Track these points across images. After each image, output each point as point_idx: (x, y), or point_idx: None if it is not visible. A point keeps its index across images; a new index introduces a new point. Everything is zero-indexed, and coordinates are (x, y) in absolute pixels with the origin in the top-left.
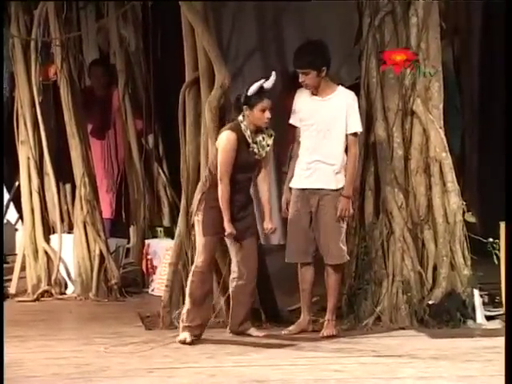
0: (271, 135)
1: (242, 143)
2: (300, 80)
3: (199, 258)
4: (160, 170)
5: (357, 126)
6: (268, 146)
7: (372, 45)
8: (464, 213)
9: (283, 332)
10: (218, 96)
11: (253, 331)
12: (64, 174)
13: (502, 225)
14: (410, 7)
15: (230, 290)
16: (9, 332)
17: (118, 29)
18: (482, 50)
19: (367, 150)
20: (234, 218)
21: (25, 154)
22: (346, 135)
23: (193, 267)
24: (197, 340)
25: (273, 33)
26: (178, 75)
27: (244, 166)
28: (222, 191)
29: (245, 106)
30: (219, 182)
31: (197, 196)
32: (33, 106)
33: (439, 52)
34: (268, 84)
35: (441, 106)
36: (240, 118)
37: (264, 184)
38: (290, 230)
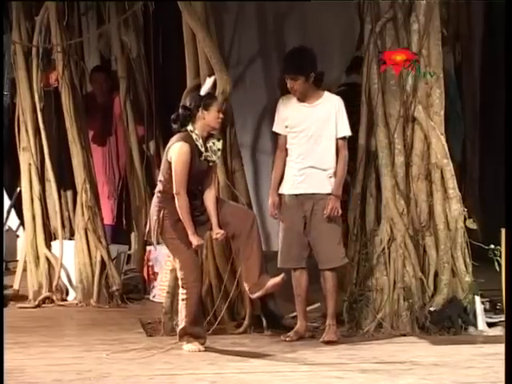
0: (219, 139)
1: (194, 153)
2: (288, 86)
3: (188, 276)
4: None
5: (346, 131)
6: (219, 150)
7: (373, 51)
8: (465, 219)
9: (282, 337)
10: (220, 102)
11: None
12: (65, 180)
13: (503, 231)
14: (411, 14)
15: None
16: (10, 338)
17: (120, 35)
18: (483, 56)
19: (368, 156)
20: (198, 223)
21: (26, 160)
22: (336, 139)
23: (181, 285)
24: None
25: (274, 39)
26: (179, 81)
27: (197, 175)
28: (181, 204)
29: (200, 108)
30: (176, 195)
31: (153, 217)
32: (34, 112)
33: (440, 58)
34: (203, 90)
35: (442, 112)
36: (189, 127)
37: (211, 192)
38: (283, 236)
